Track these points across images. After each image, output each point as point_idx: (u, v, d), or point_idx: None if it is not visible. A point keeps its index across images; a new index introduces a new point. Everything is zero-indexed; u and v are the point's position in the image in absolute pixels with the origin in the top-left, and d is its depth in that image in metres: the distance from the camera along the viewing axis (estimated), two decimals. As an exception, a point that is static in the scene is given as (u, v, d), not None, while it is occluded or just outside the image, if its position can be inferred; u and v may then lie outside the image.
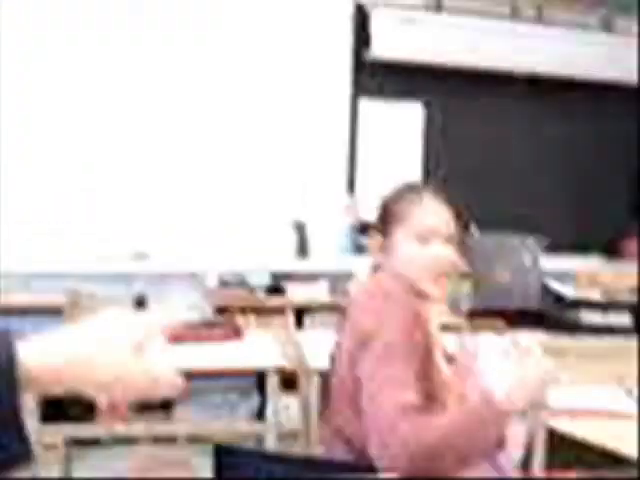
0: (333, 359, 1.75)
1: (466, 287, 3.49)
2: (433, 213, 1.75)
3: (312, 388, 2.82)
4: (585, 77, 5.19)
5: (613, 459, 2.06)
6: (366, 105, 4.88)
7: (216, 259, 4.42)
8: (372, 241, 1.81)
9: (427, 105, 5.00)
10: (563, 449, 2.32)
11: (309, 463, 1.66)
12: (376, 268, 1.80)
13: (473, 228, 4.23)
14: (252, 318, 4.13)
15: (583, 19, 5.26)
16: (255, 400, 2.76)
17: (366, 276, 1.84)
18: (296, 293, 4.47)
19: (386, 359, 1.51)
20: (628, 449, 2.02)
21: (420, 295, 1.69)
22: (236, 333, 3.14)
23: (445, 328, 2.33)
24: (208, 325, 3.22)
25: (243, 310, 4.11)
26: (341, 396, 1.66)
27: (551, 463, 2.36)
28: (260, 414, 2.72)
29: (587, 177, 5.36)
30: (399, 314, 1.58)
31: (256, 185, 4.61)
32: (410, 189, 1.82)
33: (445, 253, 1.73)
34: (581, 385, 2.64)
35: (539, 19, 5.15)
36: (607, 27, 5.31)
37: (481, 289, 3.57)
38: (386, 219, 1.78)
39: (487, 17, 5.00)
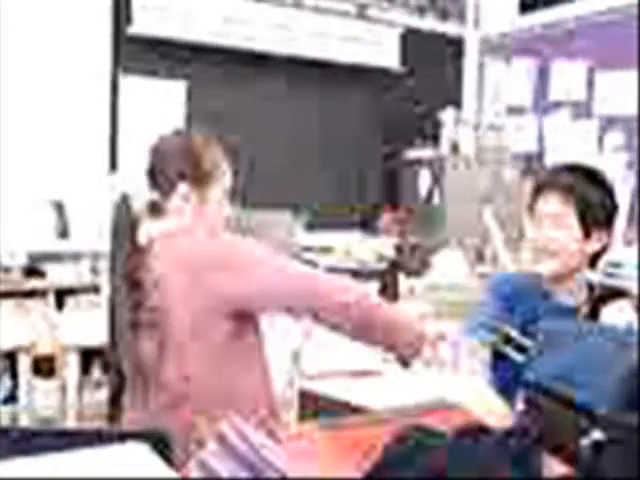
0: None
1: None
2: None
3: (70, 368, 2.77)
4: (340, 60, 5.50)
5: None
6: (128, 81, 4.80)
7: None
8: (183, 191, 1.73)
9: (189, 83, 5.01)
10: (315, 408, 2.47)
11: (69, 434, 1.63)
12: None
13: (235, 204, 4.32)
14: (7, 301, 3.94)
15: (340, 6, 5.54)
16: (6, 384, 2.65)
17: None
18: (56, 274, 4.31)
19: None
20: (371, 402, 2.21)
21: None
22: (-14, 316, 2.99)
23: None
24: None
25: (0, 294, 3.90)
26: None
27: (302, 420, 2.50)
28: (12, 398, 2.62)
29: (347, 157, 5.66)
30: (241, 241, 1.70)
31: (12, 163, 4.36)
32: (218, 139, 1.84)
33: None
34: (333, 349, 2.81)
35: (298, 4, 5.34)
36: (360, 15, 5.63)
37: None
38: (197, 168, 1.75)
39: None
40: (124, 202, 1.68)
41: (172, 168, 1.74)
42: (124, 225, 1.68)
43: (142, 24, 4.73)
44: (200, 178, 1.74)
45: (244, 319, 1.67)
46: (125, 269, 1.65)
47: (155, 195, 1.74)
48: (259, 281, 1.63)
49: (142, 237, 1.69)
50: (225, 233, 1.74)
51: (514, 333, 1.92)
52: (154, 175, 1.76)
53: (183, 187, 1.72)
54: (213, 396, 1.64)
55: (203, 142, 1.80)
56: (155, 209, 1.74)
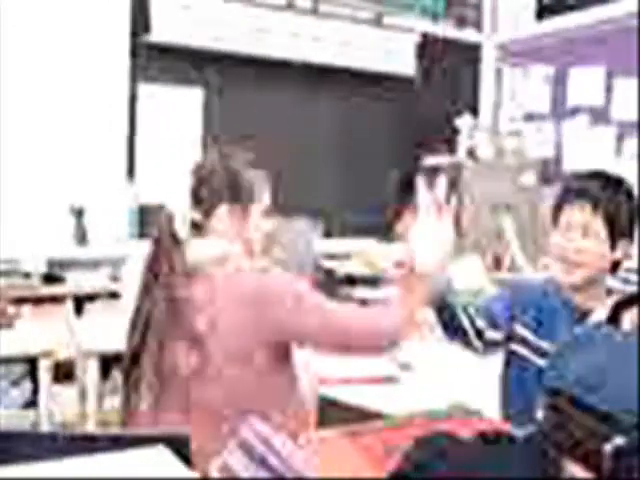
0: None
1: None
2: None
3: (89, 374, 2.79)
4: (355, 67, 5.51)
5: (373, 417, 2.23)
6: (145, 89, 4.83)
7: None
8: (223, 213, 1.80)
9: (206, 90, 5.03)
10: (332, 414, 2.47)
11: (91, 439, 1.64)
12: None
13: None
14: (27, 307, 3.97)
15: (356, 14, 5.55)
16: (27, 388, 2.67)
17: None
18: (75, 280, 4.34)
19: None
20: (383, 407, 2.21)
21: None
22: (6, 322, 3.02)
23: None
24: (-25, 314, 3.07)
25: (19, 299, 3.93)
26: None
27: (320, 426, 2.50)
28: (33, 403, 2.64)
29: (364, 165, 5.67)
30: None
31: (32, 169, 4.40)
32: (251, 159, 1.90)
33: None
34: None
35: (315, 12, 5.36)
36: (378, 23, 5.64)
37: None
38: (237, 188, 1.80)
39: (265, 6, 5.14)
40: (168, 223, 1.72)
41: (212, 188, 1.78)
42: (169, 245, 1.71)
43: (160, 32, 4.77)
44: (238, 197, 1.79)
45: (285, 350, 1.75)
46: (168, 285, 1.69)
47: (197, 215, 1.78)
48: (303, 317, 1.70)
49: (190, 257, 1.72)
50: (263, 252, 1.83)
51: (527, 333, 1.92)
52: (196, 194, 1.79)
53: (223, 207, 1.77)
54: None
55: (242, 161, 1.85)
56: (197, 228, 1.78)
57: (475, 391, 2.11)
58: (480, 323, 1.91)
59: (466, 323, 1.90)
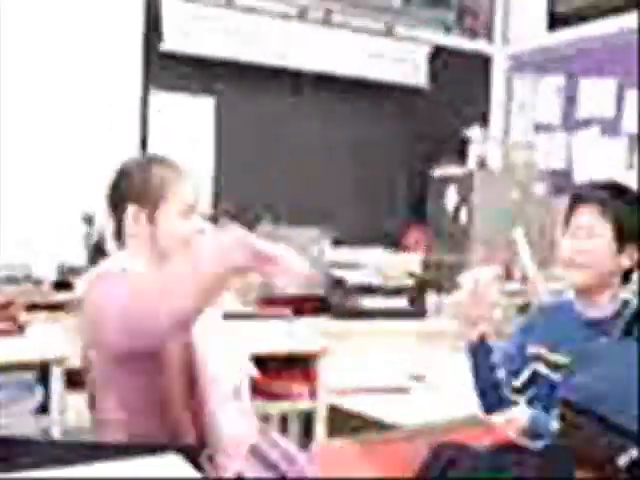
0: None
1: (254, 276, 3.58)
2: (190, 184, 1.82)
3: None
4: (367, 77, 5.52)
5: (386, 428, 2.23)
6: (158, 97, 4.86)
7: (1, 252, 4.19)
8: (131, 212, 1.73)
9: (218, 99, 5.06)
10: (345, 423, 2.47)
11: (101, 447, 1.65)
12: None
13: (265, 220, 4.35)
14: (38, 313, 3.98)
15: (368, 25, 5.57)
16: (38, 395, 2.67)
17: None
18: (86, 288, 4.35)
19: None
20: (399, 419, 2.20)
21: None
22: (18, 328, 3.02)
23: (234, 317, 2.39)
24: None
25: (31, 306, 3.93)
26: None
27: (332, 436, 2.50)
28: (44, 409, 2.65)
29: (374, 174, 5.67)
30: None
31: (44, 176, 4.42)
32: (162, 162, 1.83)
33: (204, 226, 1.77)
34: (363, 365, 2.82)
35: (327, 22, 5.39)
36: (388, 33, 5.66)
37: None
38: (145, 191, 1.74)
39: (277, 17, 5.16)
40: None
41: (120, 191, 1.77)
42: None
43: (172, 41, 4.79)
44: (140, 199, 1.73)
45: None
46: None
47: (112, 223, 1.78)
48: None
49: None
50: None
51: (543, 351, 1.92)
52: (109, 200, 1.79)
53: (131, 209, 1.73)
54: None
55: (139, 165, 1.81)
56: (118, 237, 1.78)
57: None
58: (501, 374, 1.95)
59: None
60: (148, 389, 1.64)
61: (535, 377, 1.94)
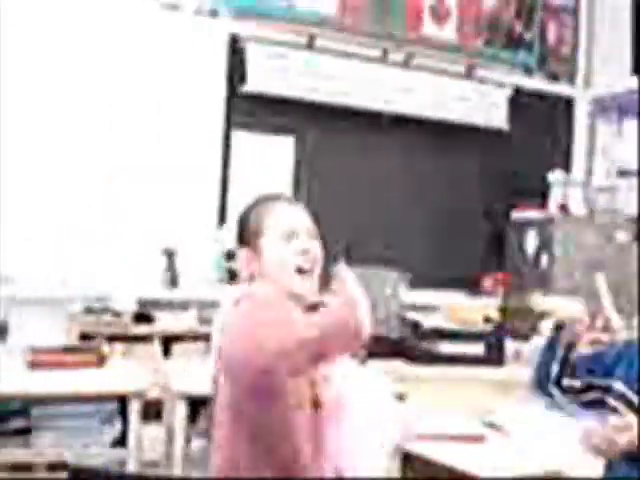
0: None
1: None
2: (290, 213, 1.82)
3: (177, 415, 2.82)
4: (448, 119, 5.53)
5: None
6: (239, 137, 4.96)
7: (82, 284, 4.31)
8: (240, 256, 1.80)
9: (298, 139, 5.12)
10: (419, 471, 2.43)
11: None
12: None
13: (340, 260, 4.35)
14: (118, 345, 4.07)
15: (448, 67, 5.59)
16: (117, 427, 2.72)
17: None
18: (164, 321, 4.43)
19: None
20: (475, 469, 2.15)
21: (293, 297, 1.72)
22: (99, 360, 3.09)
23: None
24: (70, 351, 3.16)
25: (110, 337, 4.03)
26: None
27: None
28: (122, 441, 2.69)
29: (453, 215, 5.63)
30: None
31: (126, 211, 4.55)
32: (264, 199, 1.86)
33: (309, 246, 1.78)
34: (438, 411, 2.77)
35: (407, 64, 5.42)
36: (469, 75, 5.65)
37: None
38: (248, 231, 1.80)
39: (358, 59, 5.23)
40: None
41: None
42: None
43: (255, 82, 4.90)
44: (245, 239, 1.81)
45: None
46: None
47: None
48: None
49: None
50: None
51: (622, 388, 1.88)
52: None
53: (241, 252, 1.80)
54: None
55: (252, 205, 1.85)
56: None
57: (571, 457, 2.03)
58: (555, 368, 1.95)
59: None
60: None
61: (600, 402, 1.93)
